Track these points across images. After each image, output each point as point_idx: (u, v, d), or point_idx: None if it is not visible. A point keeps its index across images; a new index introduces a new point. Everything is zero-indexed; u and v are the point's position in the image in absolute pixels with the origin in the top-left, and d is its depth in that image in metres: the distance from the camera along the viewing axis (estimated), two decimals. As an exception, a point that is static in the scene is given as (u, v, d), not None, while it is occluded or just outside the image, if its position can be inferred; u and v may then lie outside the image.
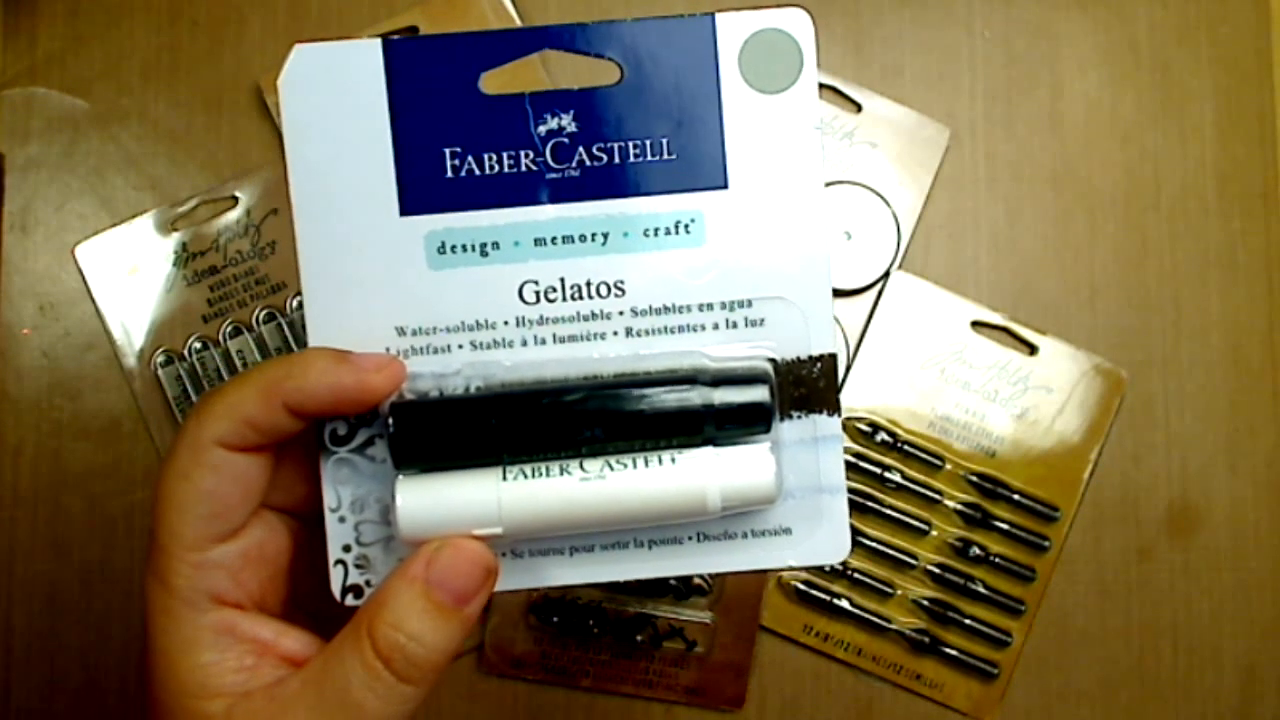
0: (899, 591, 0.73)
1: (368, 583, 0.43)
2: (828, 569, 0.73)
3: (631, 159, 0.43)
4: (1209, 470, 0.75)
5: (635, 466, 0.41)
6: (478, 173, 0.43)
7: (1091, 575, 0.74)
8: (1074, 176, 0.76)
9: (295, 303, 0.74)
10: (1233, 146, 0.76)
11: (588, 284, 0.43)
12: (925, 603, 0.73)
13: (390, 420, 0.41)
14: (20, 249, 0.74)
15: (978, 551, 0.73)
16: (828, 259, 0.44)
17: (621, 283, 0.43)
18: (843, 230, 0.74)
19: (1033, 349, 0.75)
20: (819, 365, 0.43)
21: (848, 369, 0.74)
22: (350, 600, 0.43)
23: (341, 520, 0.43)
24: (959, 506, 0.73)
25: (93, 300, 0.73)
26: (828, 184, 0.74)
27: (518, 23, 0.74)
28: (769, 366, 0.43)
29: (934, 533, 0.74)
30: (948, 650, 0.73)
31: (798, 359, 0.43)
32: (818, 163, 0.43)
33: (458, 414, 0.42)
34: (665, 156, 0.43)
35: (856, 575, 0.73)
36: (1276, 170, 0.76)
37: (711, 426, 0.42)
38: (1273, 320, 0.75)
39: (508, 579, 0.43)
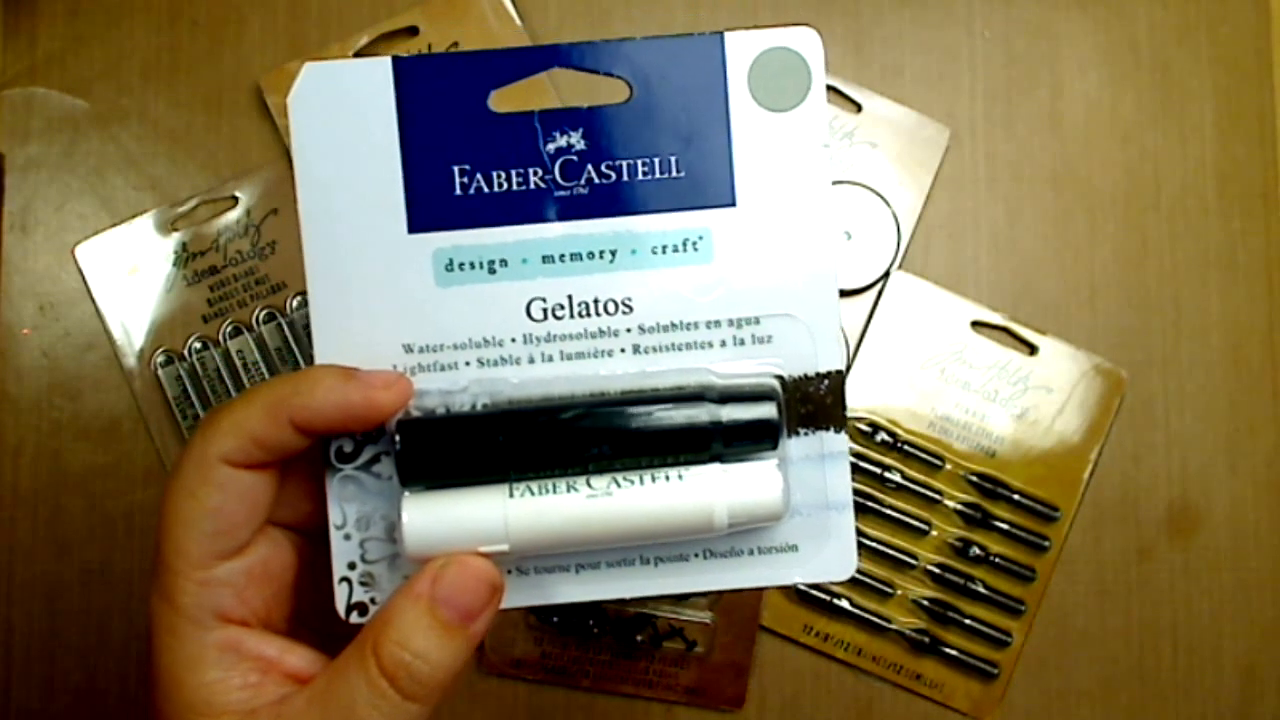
0: (899, 591, 0.74)
1: (373, 600, 0.43)
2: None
3: (640, 177, 0.43)
4: (1209, 470, 0.75)
5: (642, 483, 0.41)
6: (486, 190, 0.43)
7: (1091, 575, 0.74)
8: (1074, 176, 0.76)
9: (295, 303, 0.73)
10: (1233, 146, 0.76)
11: (595, 301, 0.43)
12: (925, 603, 0.73)
13: (397, 437, 0.41)
14: (20, 249, 0.74)
15: (978, 551, 0.73)
16: (835, 277, 0.44)
17: (629, 300, 0.43)
18: (843, 230, 0.74)
19: (1033, 349, 0.75)
20: (826, 382, 0.43)
21: (847, 369, 0.74)
22: (355, 618, 0.43)
23: (347, 538, 0.43)
24: (959, 506, 0.74)
25: (93, 300, 0.73)
26: (829, 184, 0.74)
27: (518, 23, 0.74)
28: (776, 383, 0.43)
29: (934, 533, 0.74)
30: (948, 650, 0.73)
31: (805, 376, 0.43)
32: (826, 181, 0.43)
33: (464, 431, 0.42)
34: (674, 174, 0.43)
35: (857, 575, 0.73)
36: (1276, 170, 0.76)
37: (719, 443, 0.42)
38: (1273, 320, 0.75)
39: (513, 596, 0.43)
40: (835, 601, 0.73)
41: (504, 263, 0.43)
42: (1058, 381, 0.74)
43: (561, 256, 0.43)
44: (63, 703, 0.73)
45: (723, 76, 0.43)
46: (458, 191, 0.43)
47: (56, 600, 0.73)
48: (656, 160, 0.43)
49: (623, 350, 0.43)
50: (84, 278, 0.73)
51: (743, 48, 0.43)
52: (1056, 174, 0.76)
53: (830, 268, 0.43)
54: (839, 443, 0.44)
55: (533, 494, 0.41)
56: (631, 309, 0.43)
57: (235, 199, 0.74)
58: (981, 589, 0.73)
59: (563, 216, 0.43)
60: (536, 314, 0.43)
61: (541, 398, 0.43)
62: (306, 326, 0.72)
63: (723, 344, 0.43)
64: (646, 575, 0.44)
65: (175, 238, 0.73)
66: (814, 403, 0.43)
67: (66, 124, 0.75)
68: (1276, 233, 0.76)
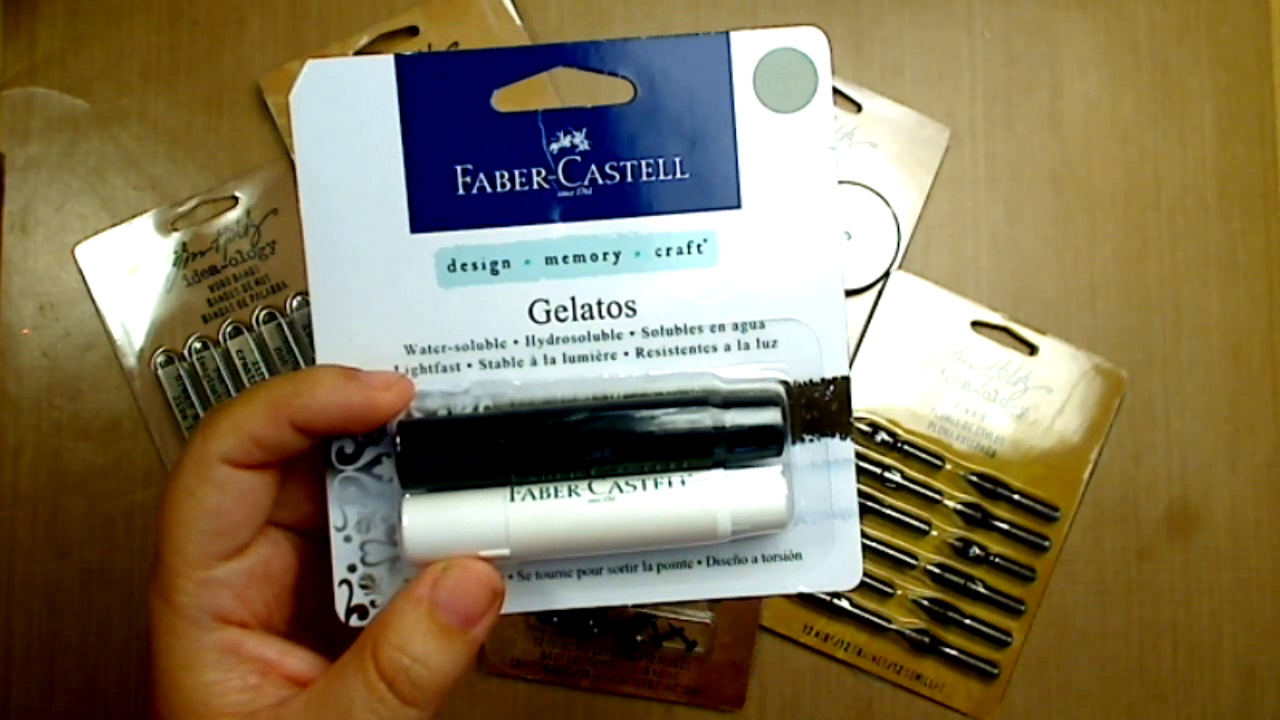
0: (899, 591, 0.73)
1: (373, 603, 0.43)
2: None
3: (644, 178, 0.43)
4: (1209, 470, 0.75)
5: (645, 488, 0.41)
6: (489, 190, 0.43)
7: (1091, 575, 0.74)
8: (1074, 176, 0.76)
9: (295, 303, 0.73)
10: (1233, 146, 0.76)
11: (599, 303, 0.43)
12: (925, 603, 0.73)
13: (398, 439, 0.41)
14: (20, 249, 0.74)
15: (978, 551, 0.73)
16: (841, 281, 0.43)
17: (633, 302, 0.43)
18: (843, 230, 0.74)
19: (1033, 349, 0.75)
20: (832, 388, 0.43)
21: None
22: (355, 621, 0.43)
23: (347, 540, 0.43)
24: (959, 506, 0.74)
25: (93, 300, 0.73)
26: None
27: (518, 23, 0.74)
28: (781, 389, 0.43)
29: (934, 533, 0.74)
30: (948, 650, 0.73)
31: (810, 381, 0.43)
32: (832, 183, 0.43)
33: (466, 433, 0.42)
34: (678, 176, 0.43)
35: (857, 576, 0.73)
36: (1276, 170, 0.76)
37: (722, 449, 0.41)
38: (1273, 320, 0.75)
39: (514, 601, 0.43)
40: (835, 601, 0.73)
41: (507, 264, 0.43)
42: (1058, 381, 0.74)
43: (565, 258, 0.43)
44: (63, 703, 0.73)
45: (728, 77, 0.43)
46: (460, 191, 0.43)
47: (56, 600, 0.73)
48: (661, 161, 0.43)
49: (626, 353, 0.43)
50: (84, 278, 0.73)
51: (748, 48, 0.43)
52: (1056, 174, 0.76)
53: (836, 272, 0.43)
54: (844, 449, 0.43)
55: (534, 498, 0.41)
56: (635, 312, 0.43)
57: (235, 199, 0.74)
58: (981, 589, 0.73)
59: (566, 217, 0.43)
60: (539, 316, 0.43)
61: (544, 400, 0.43)
62: (307, 326, 0.72)
63: (727, 348, 0.43)
64: (649, 582, 0.44)
65: (175, 238, 0.73)
66: (819, 409, 0.43)
67: (66, 124, 0.74)
68: (1276, 233, 0.76)
